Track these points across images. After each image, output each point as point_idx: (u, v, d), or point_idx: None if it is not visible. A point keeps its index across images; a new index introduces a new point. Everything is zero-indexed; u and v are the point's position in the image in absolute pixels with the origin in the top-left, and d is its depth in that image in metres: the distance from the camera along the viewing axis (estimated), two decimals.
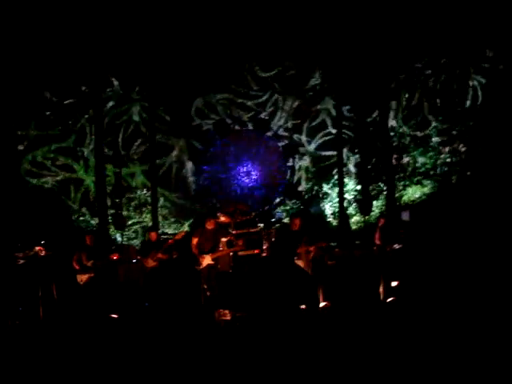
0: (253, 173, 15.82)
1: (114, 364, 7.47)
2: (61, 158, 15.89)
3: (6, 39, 14.00)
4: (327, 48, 15.44)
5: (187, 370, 7.01)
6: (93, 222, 15.73)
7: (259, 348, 7.73)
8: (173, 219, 16.33)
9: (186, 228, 15.67)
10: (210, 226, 10.91)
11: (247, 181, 15.80)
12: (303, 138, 16.43)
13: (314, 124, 16.49)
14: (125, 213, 15.75)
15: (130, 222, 16.07)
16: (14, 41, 14.09)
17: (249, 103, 16.28)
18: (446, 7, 14.56)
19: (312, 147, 16.46)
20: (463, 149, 15.81)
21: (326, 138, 16.44)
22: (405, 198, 15.67)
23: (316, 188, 16.33)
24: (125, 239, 15.52)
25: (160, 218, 16.00)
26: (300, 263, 10.72)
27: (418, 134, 16.07)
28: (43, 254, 11.34)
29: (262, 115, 16.25)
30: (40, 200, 15.60)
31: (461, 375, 6.08)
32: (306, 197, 16.29)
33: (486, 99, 15.49)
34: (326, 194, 16.15)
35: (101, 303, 10.44)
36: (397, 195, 15.46)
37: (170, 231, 15.82)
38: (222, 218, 12.38)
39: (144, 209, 16.28)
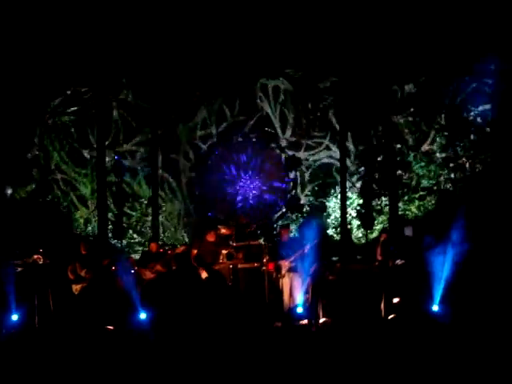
0: (254, 185, 15.71)
1: (108, 375, 7.36)
2: (63, 167, 15.89)
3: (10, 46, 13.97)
4: (331, 63, 15.36)
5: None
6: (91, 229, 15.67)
7: (253, 364, 7.61)
8: (173, 229, 16.25)
9: (185, 239, 15.56)
10: (210, 238, 10.83)
11: (249, 192, 15.70)
12: (306, 150, 16.35)
13: (317, 137, 16.41)
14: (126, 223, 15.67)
15: (131, 231, 15.98)
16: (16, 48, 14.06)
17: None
18: (452, 21, 14.49)
19: (315, 160, 16.37)
20: (467, 164, 15.68)
21: (330, 152, 16.34)
22: (408, 213, 15.52)
23: (318, 201, 16.21)
24: (126, 249, 15.40)
25: (161, 229, 15.92)
26: (297, 276, 10.64)
27: (422, 149, 15.96)
28: (41, 262, 11.23)
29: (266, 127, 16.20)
30: (40, 207, 15.53)
31: None
32: (308, 210, 16.16)
33: (493, 115, 15.36)
34: (329, 207, 16.02)
35: (96, 314, 10.29)
36: (400, 210, 15.30)
37: (170, 242, 15.73)
38: (223, 230, 12.23)
39: (145, 218, 16.18)
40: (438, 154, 15.88)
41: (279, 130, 16.30)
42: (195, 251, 10.73)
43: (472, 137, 15.65)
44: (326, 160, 16.37)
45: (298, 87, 16.16)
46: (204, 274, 10.56)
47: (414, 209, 15.49)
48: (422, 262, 10.52)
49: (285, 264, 10.62)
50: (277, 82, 16.19)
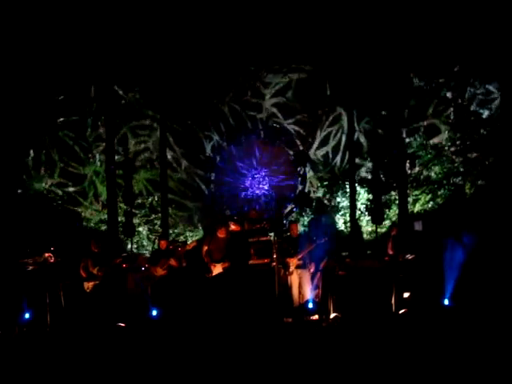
0: (263, 181, 15.71)
1: (120, 373, 7.38)
2: (72, 164, 15.95)
3: (18, 47, 14.02)
4: (339, 57, 15.34)
5: (192, 380, 6.92)
6: (103, 228, 15.70)
7: (264, 359, 7.61)
8: (182, 226, 16.27)
9: (196, 236, 15.56)
10: (221, 234, 10.82)
11: (258, 189, 15.70)
12: (315, 146, 16.33)
13: (326, 132, 16.40)
14: (136, 220, 15.69)
15: (140, 229, 15.99)
16: (26, 48, 14.11)
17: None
18: (461, 16, 14.42)
19: (324, 155, 16.36)
20: (476, 158, 15.61)
21: (338, 146, 16.33)
22: (417, 207, 15.48)
23: (327, 197, 16.19)
24: (134, 246, 15.44)
25: (170, 226, 15.94)
26: (305, 272, 10.64)
27: (431, 142, 15.90)
28: (52, 260, 11.26)
29: (274, 123, 16.18)
30: (50, 205, 15.59)
31: None
32: (318, 205, 16.13)
33: (502, 108, 15.29)
34: (338, 202, 16.00)
35: (107, 311, 10.33)
36: (409, 205, 15.26)
37: (180, 239, 15.75)
38: (233, 227, 12.24)
39: (154, 216, 16.20)
40: (447, 148, 15.82)
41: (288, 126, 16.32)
42: (206, 247, 10.75)
43: (481, 130, 15.60)
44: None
45: (306, 80, 16.16)
46: (216, 271, 10.58)
47: (423, 203, 15.42)
48: (433, 257, 10.52)
49: (293, 261, 10.61)
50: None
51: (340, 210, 15.98)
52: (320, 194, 16.30)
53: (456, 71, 15.59)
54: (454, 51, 15.18)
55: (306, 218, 15.71)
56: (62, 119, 15.81)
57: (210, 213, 15.81)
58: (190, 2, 14.38)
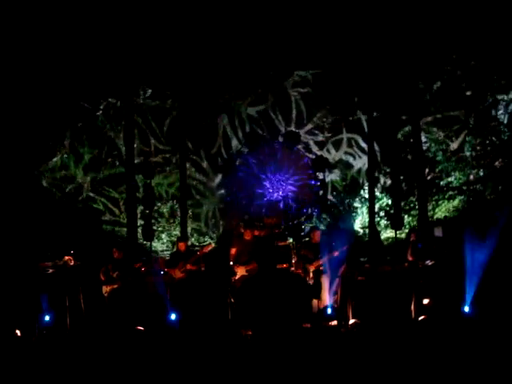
0: (282, 186, 15.67)
1: (139, 376, 7.42)
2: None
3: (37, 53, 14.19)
4: (358, 61, 15.28)
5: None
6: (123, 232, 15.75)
7: (281, 364, 7.61)
8: (203, 231, 16.29)
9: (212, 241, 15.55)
10: (247, 236, 10.96)
11: (276, 194, 15.66)
12: (334, 151, 16.28)
13: (344, 137, 16.33)
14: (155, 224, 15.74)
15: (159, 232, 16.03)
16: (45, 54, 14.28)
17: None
18: (479, 20, 14.36)
19: (343, 160, 16.29)
20: (497, 163, 15.47)
21: (358, 151, 16.24)
22: (437, 213, 15.37)
23: (346, 202, 16.11)
24: (154, 250, 15.48)
25: (189, 230, 15.94)
26: (325, 278, 10.63)
27: (451, 147, 15.78)
28: (72, 263, 11.37)
29: (292, 128, 16.14)
30: (70, 209, 15.68)
31: None
32: (336, 211, 16.06)
33: None
34: (357, 208, 15.93)
35: (127, 315, 10.38)
36: (429, 210, 15.16)
37: (198, 243, 15.77)
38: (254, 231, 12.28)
39: (173, 220, 16.22)
40: (467, 153, 15.70)
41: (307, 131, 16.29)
42: (234, 249, 10.85)
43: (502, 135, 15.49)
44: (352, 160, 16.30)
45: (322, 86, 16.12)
46: (240, 273, 10.64)
47: (443, 208, 15.32)
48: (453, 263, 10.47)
49: (313, 267, 10.62)
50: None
51: (358, 216, 15.90)
52: (339, 199, 16.21)
53: (477, 76, 15.48)
54: (475, 56, 15.11)
55: (324, 224, 15.65)
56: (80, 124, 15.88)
57: (228, 217, 15.79)
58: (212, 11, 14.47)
